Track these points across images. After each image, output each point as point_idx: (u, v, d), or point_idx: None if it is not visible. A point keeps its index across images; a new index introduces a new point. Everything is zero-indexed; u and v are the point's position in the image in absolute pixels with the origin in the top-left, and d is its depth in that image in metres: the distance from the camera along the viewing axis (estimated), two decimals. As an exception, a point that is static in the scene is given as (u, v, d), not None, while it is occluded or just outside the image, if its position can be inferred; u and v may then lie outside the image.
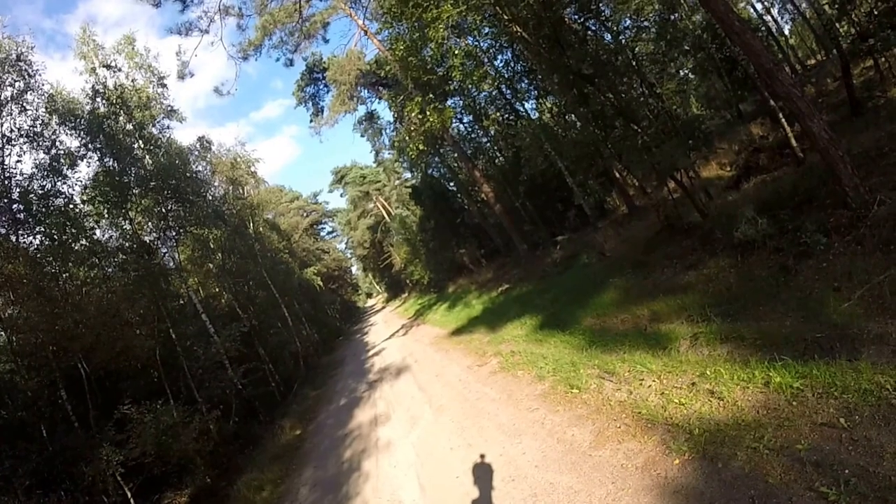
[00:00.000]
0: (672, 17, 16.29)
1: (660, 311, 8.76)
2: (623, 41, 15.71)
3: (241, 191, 32.12)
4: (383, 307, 76.90)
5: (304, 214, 67.77)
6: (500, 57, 22.38)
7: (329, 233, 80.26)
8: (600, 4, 14.63)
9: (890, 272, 5.64)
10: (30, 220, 14.04)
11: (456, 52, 15.03)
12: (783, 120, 13.13)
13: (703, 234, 10.59)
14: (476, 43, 20.93)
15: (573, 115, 18.31)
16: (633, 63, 15.06)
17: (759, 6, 29.89)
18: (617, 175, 20.86)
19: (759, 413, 4.67)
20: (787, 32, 35.23)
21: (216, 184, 29.68)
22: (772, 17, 31.39)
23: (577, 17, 14.81)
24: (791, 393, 4.68)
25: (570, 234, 23.08)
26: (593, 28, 15.22)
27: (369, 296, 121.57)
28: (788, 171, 11.97)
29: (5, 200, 13.57)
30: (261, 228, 34.69)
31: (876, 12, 14.29)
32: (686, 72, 24.12)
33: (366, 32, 27.45)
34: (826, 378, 4.57)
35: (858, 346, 4.89)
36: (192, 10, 25.51)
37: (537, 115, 25.43)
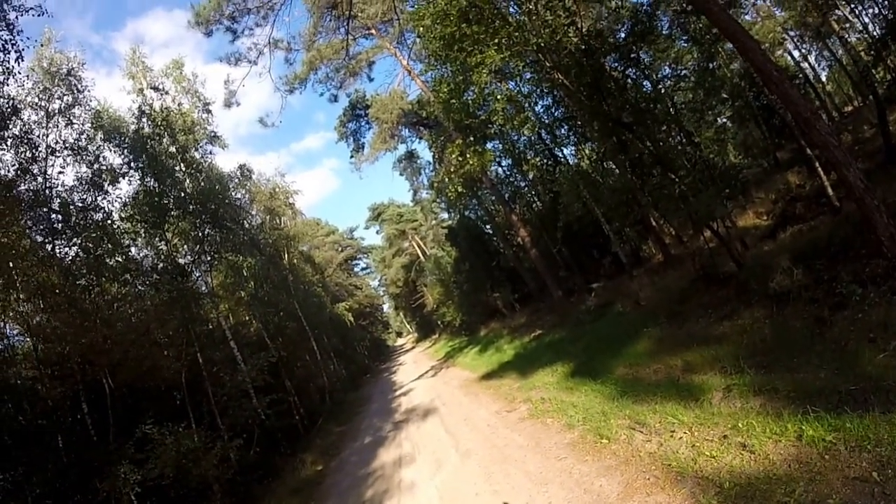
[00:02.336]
0: (710, 66, 16.34)
1: (693, 361, 8.64)
2: (662, 89, 15.80)
3: (277, 221, 32.55)
4: (413, 347, 76.62)
5: (340, 249, 68.63)
6: (540, 102, 22.53)
7: (363, 269, 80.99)
8: (640, 53, 14.81)
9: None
10: (67, 231, 14.33)
11: (498, 96, 15.26)
12: (819, 168, 13.06)
13: (738, 284, 10.46)
14: (517, 88, 21.28)
15: (611, 163, 18.37)
16: (672, 111, 15.14)
17: (796, 53, 30.08)
18: (653, 223, 20.72)
19: (791, 467, 4.56)
20: (823, 79, 35.17)
21: (254, 212, 30.24)
22: (808, 64, 31.48)
23: (617, 65, 14.98)
24: (824, 446, 4.57)
25: (606, 281, 22.82)
26: (633, 76, 15.36)
27: (399, 335, 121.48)
28: (825, 221, 11.84)
29: (45, 210, 13.89)
30: (295, 260, 34.99)
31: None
32: (724, 120, 24.04)
33: (409, 73, 28.17)
34: (859, 431, 4.47)
35: (893, 399, 4.80)
36: (243, 40, 26.55)
37: (576, 161, 25.50)
